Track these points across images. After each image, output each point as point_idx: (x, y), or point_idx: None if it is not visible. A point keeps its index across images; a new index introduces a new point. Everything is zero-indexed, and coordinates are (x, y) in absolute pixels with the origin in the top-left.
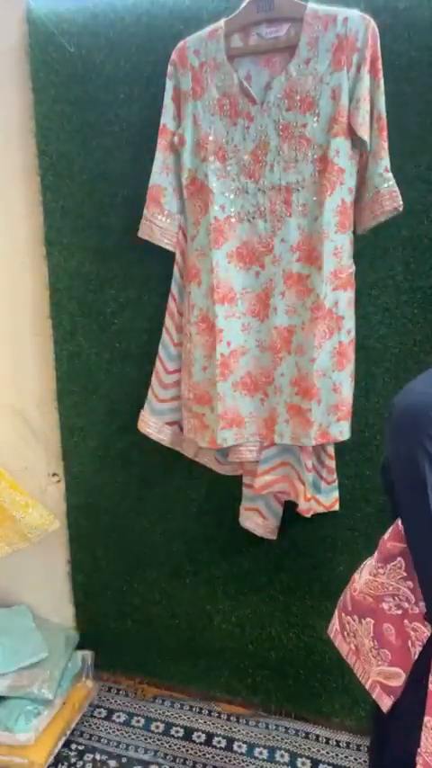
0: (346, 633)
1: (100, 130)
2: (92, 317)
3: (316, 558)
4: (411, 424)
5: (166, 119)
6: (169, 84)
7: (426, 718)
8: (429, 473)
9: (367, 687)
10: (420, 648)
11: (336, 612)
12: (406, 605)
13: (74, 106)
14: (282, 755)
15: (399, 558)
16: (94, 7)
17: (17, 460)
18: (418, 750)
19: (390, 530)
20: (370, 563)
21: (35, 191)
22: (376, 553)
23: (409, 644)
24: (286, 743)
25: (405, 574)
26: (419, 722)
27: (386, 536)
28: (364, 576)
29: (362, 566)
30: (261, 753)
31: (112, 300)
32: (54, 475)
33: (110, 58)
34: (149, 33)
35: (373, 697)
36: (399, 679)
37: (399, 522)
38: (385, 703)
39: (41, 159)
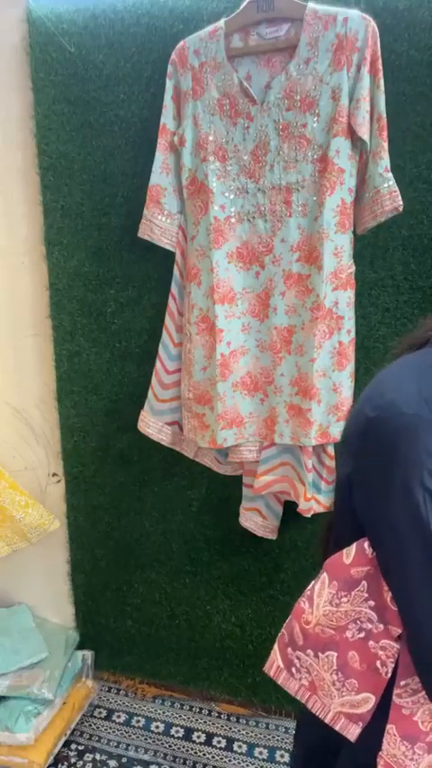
0: (294, 670)
1: (100, 130)
2: (92, 317)
3: (316, 558)
4: (406, 445)
5: (166, 119)
6: (169, 84)
7: (388, 726)
8: (429, 512)
9: (327, 720)
10: (393, 665)
11: (275, 648)
12: (369, 626)
13: (74, 106)
14: (282, 755)
15: (363, 582)
16: (94, 7)
17: (17, 460)
18: (380, 753)
19: (351, 553)
20: (326, 591)
21: (35, 191)
22: (334, 581)
23: (378, 664)
24: (286, 743)
25: (367, 595)
26: (381, 728)
27: (347, 560)
28: (322, 608)
29: (308, 592)
30: (261, 753)
31: (112, 300)
32: (54, 475)
33: (110, 58)
34: (149, 33)
35: (337, 728)
36: (368, 704)
37: (364, 545)
38: (352, 732)
39: (41, 159)
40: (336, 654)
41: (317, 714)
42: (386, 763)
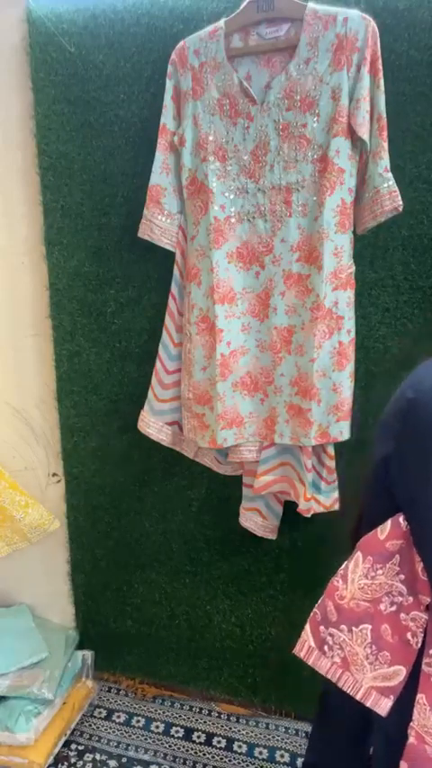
0: (327, 648)
1: (100, 130)
2: (92, 317)
3: (316, 558)
4: None
5: (166, 119)
6: (169, 84)
7: (418, 696)
8: None
9: (359, 697)
10: (422, 635)
11: (307, 628)
12: (400, 599)
13: (74, 106)
14: (282, 755)
15: (396, 556)
16: (94, 7)
17: (17, 460)
18: (411, 724)
19: (386, 529)
20: (362, 566)
21: (35, 191)
22: (369, 557)
23: (409, 636)
24: (286, 743)
25: (399, 569)
26: (411, 699)
27: (381, 536)
28: (358, 582)
29: (341, 571)
30: (261, 753)
31: (112, 300)
32: (54, 475)
33: (110, 58)
34: (149, 33)
35: (368, 704)
36: (399, 677)
37: (399, 519)
38: (384, 706)
39: (41, 159)
40: (370, 626)
41: (348, 691)
42: (417, 734)
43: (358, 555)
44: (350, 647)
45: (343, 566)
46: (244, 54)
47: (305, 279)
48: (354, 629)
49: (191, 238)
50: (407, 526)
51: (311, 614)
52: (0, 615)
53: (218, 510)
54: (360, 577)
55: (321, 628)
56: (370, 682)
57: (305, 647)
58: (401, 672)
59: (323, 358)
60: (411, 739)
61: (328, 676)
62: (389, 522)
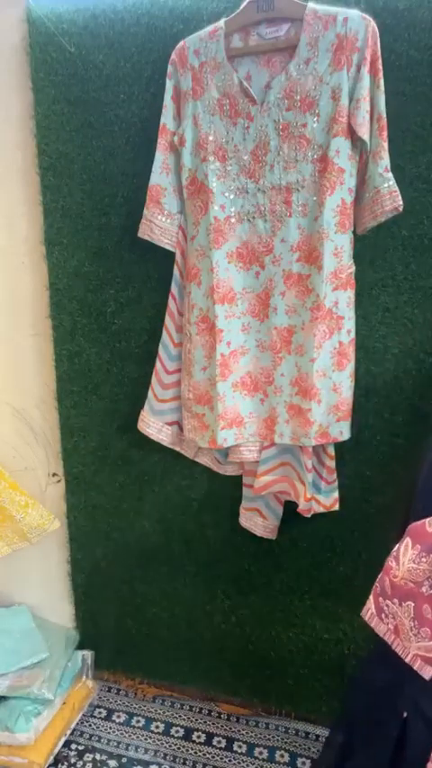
0: (384, 615)
1: (100, 130)
2: (92, 317)
3: (316, 558)
4: None
5: (166, 119)
6: (169, 84)
7: None
8: None
9: (408, 660)
10: None
11: (371, 597)
12: None
13: (74, 106)
14: (282, 755)
15: None
16: (94, 7)
17: (17, 460)
18: None
19: None
20: (411, 552)
21: (35, 191)
22: (417, 545)
23: None
24: (286, 743)
25: None
26: None
27: (429, 528)
28: (407, 566)
29: (394, 553)
30: (261, 753)
31: (112, 300)
32: (54, 475)
33: (110, 58)
34: (149, 33)
35: (415, 668)
36: None
37: None
38: (427, 672)
39: (41, 159)
40: (413, 604)
41: (400, 653)
42: None
43: (408, 541)
44: (399, 618)
45: (395, 548)
46: (244, 54)
47: (305, 279)
48: (402, 603)
49: (191, 238)
50: None
51: (373, 587)
52: (0, 615)
53: (218, 510)
54: (408, 561)
55: (380, 599)
56: (415, 650)
57: (368, 612)
58: None
59: (323, 358)
60: None
61: (385, 638)
62: None
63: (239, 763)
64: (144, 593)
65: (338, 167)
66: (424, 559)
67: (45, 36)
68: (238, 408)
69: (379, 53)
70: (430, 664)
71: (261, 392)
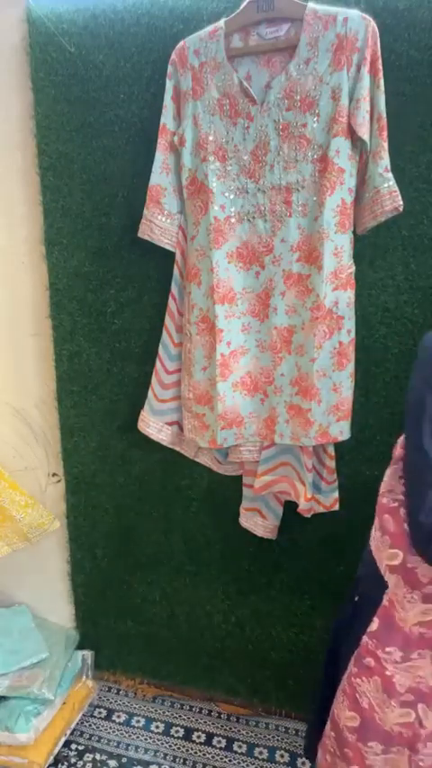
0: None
1: (100, 130)
2: (92, 317)
3: (316, 558)
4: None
5: (166, 119)
6: (169, 84)
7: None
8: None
9: (382, 569)
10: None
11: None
12: (401, 498)
13: (74, 106)
14: (282, 755)
15: (399, 462)
16: (94, 7)
17: (17, 460)
18: (386, 591)
19: (399, 442)
20: (389, 470)
21: (35, 191)
22: (393, 465)
23: (406, 526)
24: (286, 743)
25: (401, 473)
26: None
27: (396, 452)
28: (385, 479)
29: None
30: (261, 753)
31: (112, 300)
32: (54, 475)
33: (110, 58)
34: (149, 33)
35: (385, 579)
36: (398, 558)
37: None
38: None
39: (41, 159)
40: (378, 518)
41: (377, 560)
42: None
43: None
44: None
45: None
46: (244, 54)
47: (305, 279)
48: (378, 518)
49: (191, 238)
50: (403, 443)
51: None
52: (0, 615)
53: (218, 510)
54: (385, 476)
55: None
56: (385, 561)
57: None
58: (399, 555)
59: (323, 358)
60: (384, 602)
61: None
62: (401, 438)
63: (239, 763)
64: (144, 593)
65: (338, 167)
66: (389, 471)
67: (45, 36)
68: (238, 408)
69: (379, 53)
70: (393, 572)
71: (261, 392)
